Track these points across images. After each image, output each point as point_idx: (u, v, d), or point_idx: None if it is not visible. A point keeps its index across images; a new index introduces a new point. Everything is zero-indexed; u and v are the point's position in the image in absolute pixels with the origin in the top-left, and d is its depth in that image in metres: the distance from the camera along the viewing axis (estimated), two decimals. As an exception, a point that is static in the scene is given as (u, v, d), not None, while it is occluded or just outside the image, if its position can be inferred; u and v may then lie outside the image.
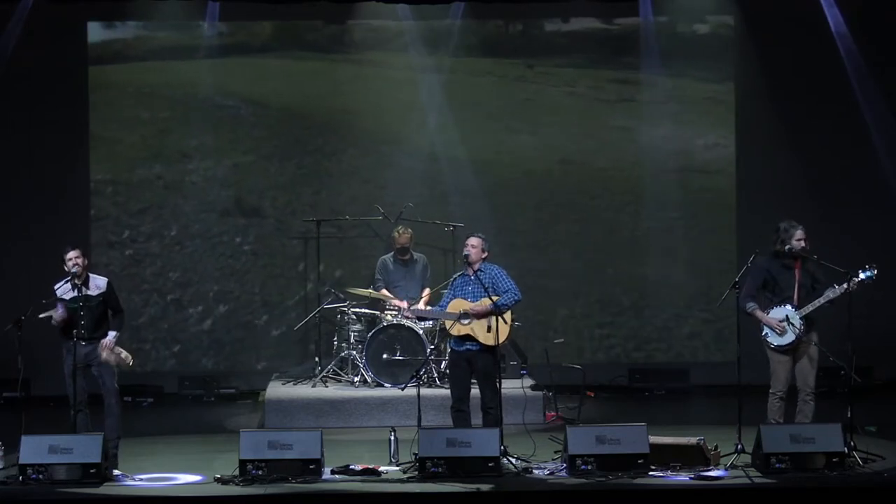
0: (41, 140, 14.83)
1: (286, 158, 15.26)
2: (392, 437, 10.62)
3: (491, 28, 15.42)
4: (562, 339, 14.83)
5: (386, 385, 13.09)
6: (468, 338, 10.75)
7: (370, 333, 13.29)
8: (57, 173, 14.89)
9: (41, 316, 10.60)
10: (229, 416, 13.69)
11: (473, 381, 10.92)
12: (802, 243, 10.67)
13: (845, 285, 10.41)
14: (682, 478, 9.95)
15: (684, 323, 15.31)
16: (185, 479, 10.22)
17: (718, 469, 10.16)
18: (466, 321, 10.71)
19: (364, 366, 13.31)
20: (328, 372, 13.70)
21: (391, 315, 13.34)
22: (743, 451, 10.32)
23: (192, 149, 15.20)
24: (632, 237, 15.34)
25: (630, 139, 15.33)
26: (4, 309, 11.44)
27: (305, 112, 15.32)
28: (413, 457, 10.23)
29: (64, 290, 10.59)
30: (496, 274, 10.83)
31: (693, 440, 10.31)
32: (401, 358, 13.13)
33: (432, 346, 12.87)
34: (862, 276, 10.41)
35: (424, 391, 11.43)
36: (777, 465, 9.97)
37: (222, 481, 9.95)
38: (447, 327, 10.94)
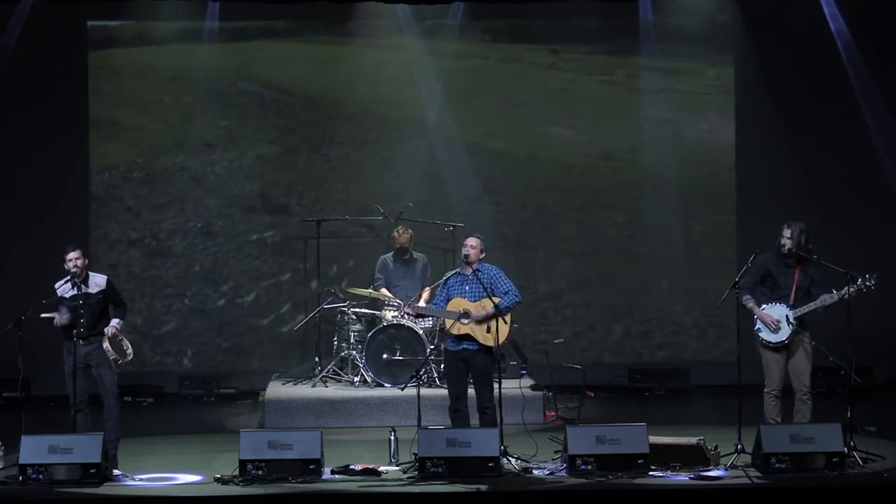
0: (41, 140, 14.82)
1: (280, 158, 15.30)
2: (392, 437, 10.62)
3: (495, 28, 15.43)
4: (562, 339, 14.82)
5: (386, 385, 13.08)
6: (466, 337, 10.72)
7: (370, 333, 13.29)
8: (57, 173, 14.88)
9: (43, 316, 10.61)
10: (229, 416, 13.68)
11: (470, 380, 10.91)
12: (788, 242, 10.65)
13: (843, 291, 10.41)
14: (682, 478, 9.95)
15: (684, 323, 15.31)
16: (185, 479, 10.22)
17: (718, 469, 10.16)
18: (467, 321, 10.70)
19: (364, 366, 13.30)
20: (328, 372, 13.69)
21: (391, 314, 13.34)
22: (743, 451, 10.32)
23: (191, 151, 15.20)
24: (631, 237, 15.33)
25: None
26: (4, 309, 11.43)
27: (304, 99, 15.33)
28: (413, 457, 10.22)
29: (64, 288, 10.62)
30: (495, 274, 10.82)
31: (693, 440, 10.30)
32: (401, 358, 13.12)
33: (432, 346, 12.84)
34: (859, 282, 10.39)
35: (424, 391, 11.41)
36: (777, 465, 9.97)
37: (222, 481, 9.95)
38: (447, 327, 10.93)
